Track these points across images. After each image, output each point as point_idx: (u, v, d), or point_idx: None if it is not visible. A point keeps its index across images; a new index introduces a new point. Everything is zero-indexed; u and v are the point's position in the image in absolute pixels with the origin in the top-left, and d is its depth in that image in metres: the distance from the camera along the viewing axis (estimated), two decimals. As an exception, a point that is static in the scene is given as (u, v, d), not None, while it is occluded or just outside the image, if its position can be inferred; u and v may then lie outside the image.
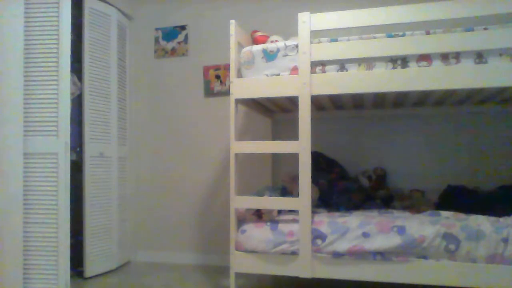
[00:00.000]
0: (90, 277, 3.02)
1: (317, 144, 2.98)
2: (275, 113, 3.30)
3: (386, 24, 2.20)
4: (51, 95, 2.50)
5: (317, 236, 2.23)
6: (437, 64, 2.12)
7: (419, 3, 2.16)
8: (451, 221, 2.14)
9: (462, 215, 2.27)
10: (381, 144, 3.10)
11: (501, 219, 2.11)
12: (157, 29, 3.63)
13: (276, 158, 3.31)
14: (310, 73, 2.25)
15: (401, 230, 2.13)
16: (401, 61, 2.16)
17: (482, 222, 2.09)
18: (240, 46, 2.52)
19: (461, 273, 2.03)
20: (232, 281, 2.36)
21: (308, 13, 2.28)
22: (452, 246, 2.06)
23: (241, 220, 2.45)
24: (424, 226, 2.11)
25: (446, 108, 2.98)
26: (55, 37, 2.51)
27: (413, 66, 2.15)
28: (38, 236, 2.46)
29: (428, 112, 3.02)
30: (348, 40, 2.24)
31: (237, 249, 2.37)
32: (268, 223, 2.35)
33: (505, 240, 2.01)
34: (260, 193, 2.54)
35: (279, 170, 3.28)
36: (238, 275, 2.40)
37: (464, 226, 2.07)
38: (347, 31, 2.76)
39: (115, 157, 3.28)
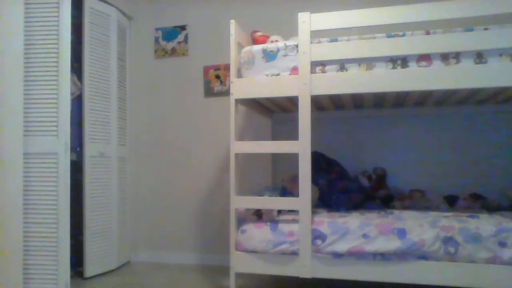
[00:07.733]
0: (90, 277, 3.02)
1: (317, 144, 2.98)
2: (275, 113, 3.30)
3: (386, 24, 2.20)
4: (51, 95, 2.50)
5: (317, 236, 2.23)
6: (437, 64, 2.12)
7: (419, 3, 2.16)
8: (450, 222, 2.14)
9: (463, 216, 2.27)
10: (381, 144, 3.10)
11: (503, 222, 2.11)
12: (157, 29, 3.63)
13: (276, 158, 3.30)
14: (310, 73, 2.25)
15: (401, 233, 2.13)
16: (401, 61, 2.16)
17: (481, 225, 2.08)
18: (240, 46, 2.52)
19: (461, 273, 2.03)
20: (232, 281, 2.36)
21: (308, 13, 2.28)
22: (451, 249, 2.06)
23: (241, 220, 2.45)
24: (423, 229, 2.11)
25: (446, 108, 2.98)
26: (55, 37, 2.51)
27: (413, 66, 2.15)
28: (38, 236, 2.46)
29: (428, 112, 3.02)
30: (348, 40, 2.24)
31: (237, 249, 2.37)
32: (268, 223, 2.35)
33: (503, 244, 2.01)
34: (260, 193, 2.54)
35: (279, 170, 3.28)
36: (238, 275, 2.40)
37: (462, 229, 2.07)
38: (347, 31, 2.76)
39: (115, 157, 3.28)
